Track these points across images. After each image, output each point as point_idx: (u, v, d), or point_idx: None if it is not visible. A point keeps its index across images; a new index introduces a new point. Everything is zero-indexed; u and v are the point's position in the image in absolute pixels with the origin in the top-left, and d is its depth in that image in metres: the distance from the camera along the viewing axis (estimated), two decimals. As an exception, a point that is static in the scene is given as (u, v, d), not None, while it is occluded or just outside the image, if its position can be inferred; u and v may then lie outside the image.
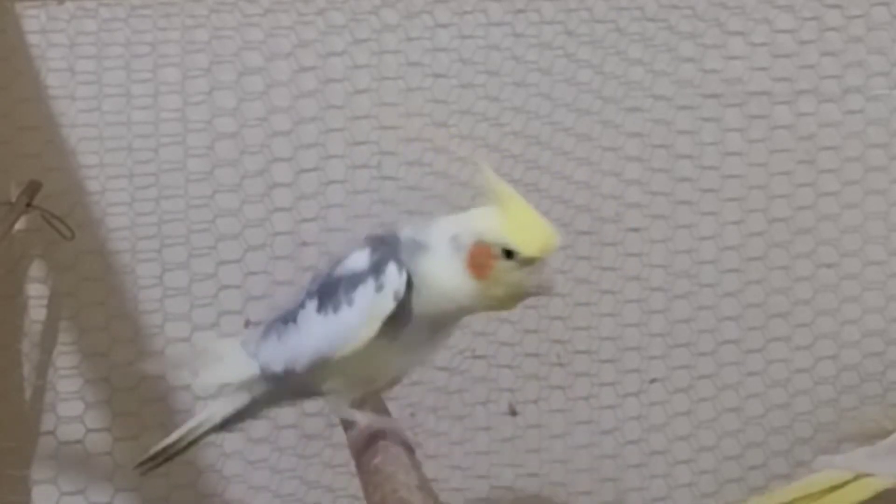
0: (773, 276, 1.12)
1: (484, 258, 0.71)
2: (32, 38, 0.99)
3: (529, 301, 1.07)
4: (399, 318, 0.73)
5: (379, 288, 0.72)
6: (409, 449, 0.79)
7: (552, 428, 1.11)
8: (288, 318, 0.78)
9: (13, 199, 0.97)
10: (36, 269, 1.02)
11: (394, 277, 0.72)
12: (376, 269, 0.73)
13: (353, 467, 0.83)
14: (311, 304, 0.76)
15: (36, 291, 1.02)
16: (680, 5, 1.07)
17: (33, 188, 0.97)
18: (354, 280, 0.73)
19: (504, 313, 1.07)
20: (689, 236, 1.10)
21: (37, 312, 1.02)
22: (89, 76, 1.00)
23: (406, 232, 0.75)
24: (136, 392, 1.03)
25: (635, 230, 1.09)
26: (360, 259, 0.74)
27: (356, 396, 0.79)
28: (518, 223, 0.71)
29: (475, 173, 0.74)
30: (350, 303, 0.73)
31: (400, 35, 1.04)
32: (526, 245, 0.70)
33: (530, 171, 1.07)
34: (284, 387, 0.79)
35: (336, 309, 0.74)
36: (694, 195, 1.10)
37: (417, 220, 0.78)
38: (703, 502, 1.14)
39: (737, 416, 1.13)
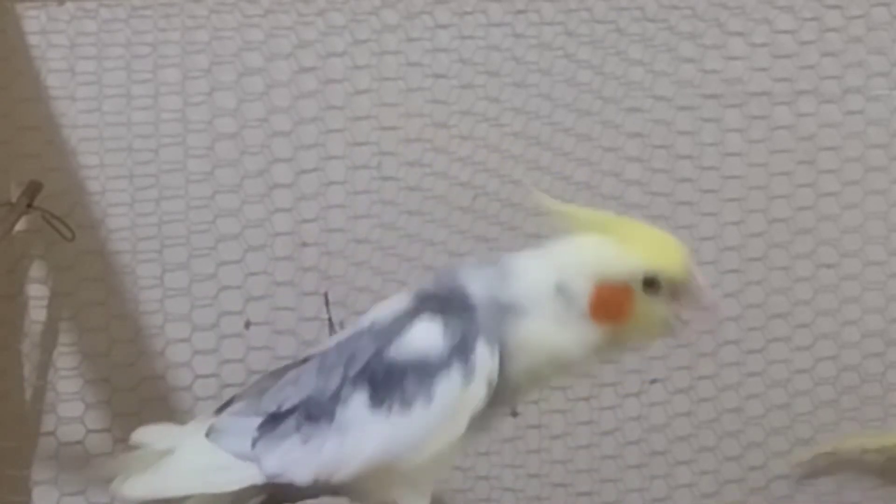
0: (773, 276, 1.12)
1: (616, 299, 0.58)
2: (33, 39, 0.99)
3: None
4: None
5: (467, 379, 0.58)
6: None
7: (553, 429, 1.11)
8: (315, 412, 0.62)
9: (14, 200, 0.97)
10: (36, 269, 1.02)
11: (485, 362, 0.58)
12: (460, 354, 0.58)
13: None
14: (358, 398, 0.60)
15: (36, 292, 1.02)
16: (680, 6, 1.07)
17: (34, 189, 0.97)
18: (429, 369, 0.59)
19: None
20: (689, 237, 1.10)
21: (37, 313, 1.02)
22: (90, 77, 1.00)
23: (478, 286, 0.61)
24: (137, 393, 1.03)
25: (635, 231, 1.09)
26: (429, 338, 0.60)
27: (426, 499, 0.64)
28: (645, 244, 0.59)
29: (533, 201, 0.63)
30: (428, 399, 0.58)
31: (400, 36, 1.04)
32: (671, 265, 0.58)
33: (530, 171, 1.07)
34: (298, 493, 0.65)
35: (406, 407, 0.59)
36: (694, 196, 1.10)
37: (483, 264, 0.64)
38: (704, 503, 1.14)
39: (737, 416, 1.13)
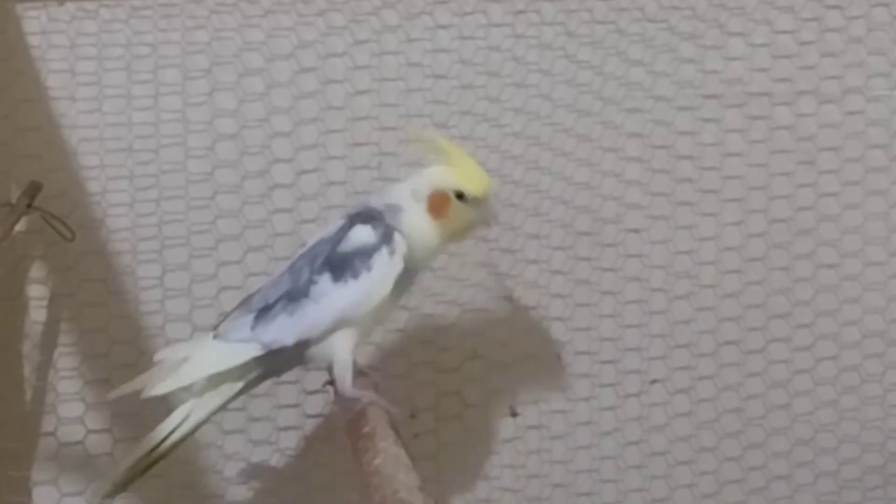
0: (773, 276, 1.12)
1: (440, 202, 0.87)
2: (33, 40, 0.99)
3: (529, 302, 1.08)
4: (399, 276, 0.87)
5: (391, 253, 0.87)
6: (393, 418, 0.88)
7: (553, 429, 1.11)
8: (295, 294, 0.87)
9: (14, 201, 0.97)
10: (36, 270, 1.02)
11: (400, 243, 0.87)
12: (385, 239, 0.87)
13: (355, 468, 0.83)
14: (324, 278, 0.87)
15: (36, 292, 1.02)
16: (680, 6, 1.08)
17: (34, 189, 0.97)
18: (367, 251, 0.86)
19: (504, 314, 1.07)
20: (690, 237, 1.10)
21: (37, 313, 1.02)
22: (90, 77, 1.00)
23: (375, 201, 0.89)
24: (137, 393, 1.03)
25: (636, 231, 1.09)
26: (366, 234, 0.87)
27: (353, 355, 0.89)
28: (463, 170, 0.87)
29: (419, 136, 0.89)
30: (368, 269, 0.86)
31: (400, 36, 1.04)
32: (474, 185, 0.87)
33: (531, 171, 1.07)
34: (283, 361, 0.89)
35: (355, 276, 0.86)
36: (694, 196, 1.10)
37: (375, 190, 0.96)
38: (704, 503, 1.14)
39: (737, 417, 1.13)
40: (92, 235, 1.01)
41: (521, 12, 1.05)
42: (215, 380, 0.87)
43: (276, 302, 0.87)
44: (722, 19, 1.08)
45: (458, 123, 1.05)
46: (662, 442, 1.13)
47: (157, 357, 0.90)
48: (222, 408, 0.89)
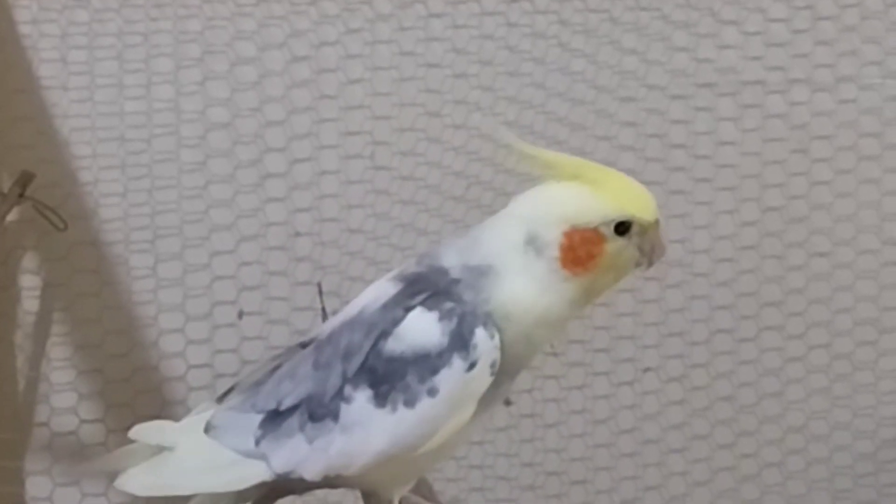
0: (766, 265, 1.12)
1: (589, 245, 0.58)
2: (24, 29, 0.99)
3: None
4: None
5: (470, 367, 0.58)
6: None
7: (546, 417, 1.11)
8: (319, 412, 0.61)
9: (5, 190, 0.96)
10: (29, 260, 1.02)
11: (486, 346, 0.57)
12: (459, 342, 0.58)
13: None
14: (361, 396, 0.60)
15: (29, 282, 1.02)
16: (673, -6, 1.08)
17: (26, 179, 0.97)
18: (430, 361, 0.58)
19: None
20: (683, 225, 1.10)
21: (30, 303, 1.02)
22: (81, 66, 1.00)
23: (451, 258, 0.61)
24: (130, 383, 1.03)
25: (629, 219, 1.09)
26: (425, 329, 0.59)
27: (406, 490, 0.65)
28: (614, 189, 0.59)
29: (504, 153, 0.63)
30: (432, 392, 0.58)
31: (393, 24, 1.04)
32: (642, 210, 0.58)
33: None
34: (302, 486, 0.65)
35: (410, 402, 0.59)
36: (687, 184, 1.10)
37: (453, 239, 0.64)
38: (697, 491, 1.14)
39: (730, 404, 1.13)
40: (84, 225, 1.01)
41: (514, 1, 1.05)
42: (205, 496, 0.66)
43: (291, 410, 0.62)
44: (715, 8, 1.08)
45: (451, 112, 1.05)
46: (655, 430, 1.13)
47: (131, 434, 0.68)
48: None
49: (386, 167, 1.05)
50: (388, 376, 0.59)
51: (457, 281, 0.59)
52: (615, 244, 0.58)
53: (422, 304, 0.59)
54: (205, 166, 1.03)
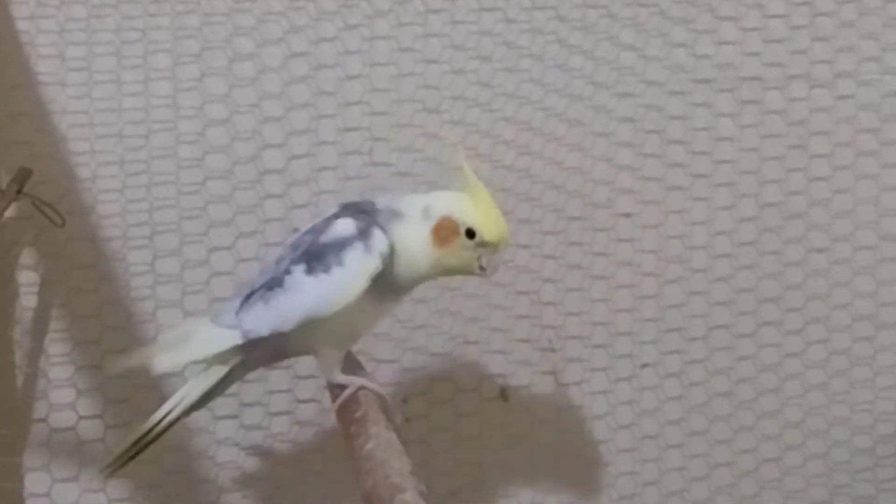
0: (764, 260, 1.12)
1: (448, 231, 0.83)
2: (22, 25, 0.99)
3: (521, 287, 1.08)
4: (378, 280, 0.83)
5: (367, 249, 0.83)
6: (385, 402, 0.87)
7: (544, 413, 1.11)
8: (272, 284, 0.85)
9: (3, 187, 0.96)
10: (27, 256, 1.02)
11: (380, 240, 0.83)
12: (364, 234, 0.83)
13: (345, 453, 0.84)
14: (299, 269, 0.84)
15: (27, 279, 1.02)
16: (671, -10, 1.07)
17: (24, 175, 0.97)
18: (343, 244, 0.83)
19: (496, 298, 1.07)
20: (681, 221, 1.11)
21: (28, 300, 1.02)
22: (79, 62, 1.00)
23: (382, 200, 0.86)
24: (128, 379, 1.02)
25: (627, 215, 1.09)
26: (346, 227, 0.84)
27: (341, 353, 0.88)
28: (484, 211, 0.83)
29: (453, 158, 0.85)
30: (341, 263, 0.83)
31: (391, 20, 1.04)
32: (489, 230, 0.83)
33: (522, 156, 1.07)
34: (266, 350, 0.87)
35: (327, 270, 0.83)
36: (686, 180, 1.10)
37: (390, 193, 0.91)
38: (695, 486, 1.14)
39: (728, 400, 1.14)
40: (82, 221, 1.01)
41: (512, -4, 1.05)
42: (206, 363, 0.87)
43: (258, 289, 0.85)
44: (713, 3, 1.08)
45: (449, 108, 1.05)
46: (653, 425, 1.13)
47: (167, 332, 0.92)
48: (213, 392, 0.89)
49: (384, 163, 1.05)
50: (316, 255, 0.84)
51: (378, 212, 0.84)
52: (462, 241, 0.83)
53: (348, 214, 0.85)
54: (203, 162, 1.03)
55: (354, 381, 0.87)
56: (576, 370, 1.11)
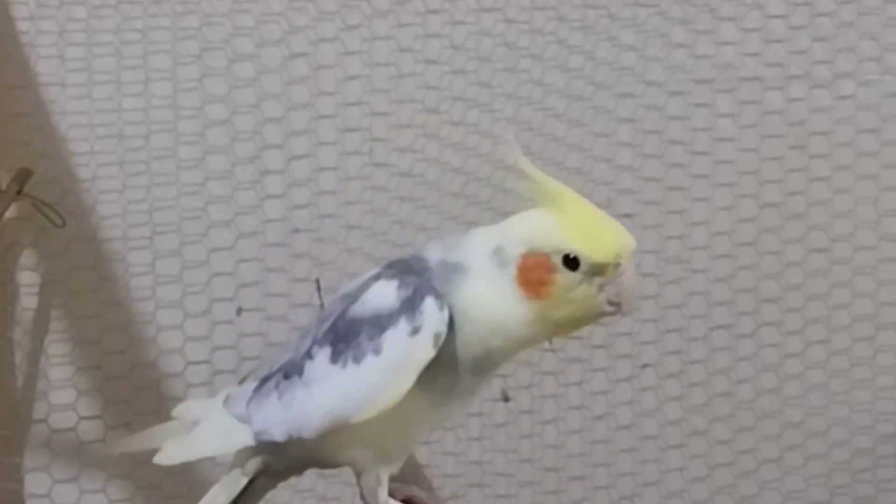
0: (764, 261, 1.12)
1: (540, 270, 0.58)
2: (22, 25, 0.99)
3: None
4: (438, 364, 0.59)
5: (414, 331, 0.59)
6: None
7: (545, 413, 1.11)
8: (290, 370, 0.64)
9: (3, 187, 0.96)
10: (27, 256, 1.02)
11: (433, 316, 0.58)
12: (409, 307, 0.59)
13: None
14: (322, 354, 0.62)
15: (27, 279, 1.02)
16: (671, -10, 1.07)
17: (24, 176, 0.97)
18: (380, 322, 0.60)
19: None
20: (681, 222, 1.11)
21: (28, 300, 1.02)
22: (79, 63, 1.00)
23: (435, 253, 0.62)
24: (128, 380, 1.03)
25: (627, 216, 1.09)
26: (384, 294, 0.61)
27: (388, 468, 0.64)
28: (581, 222, 0.59)
29: (513, 170, 0.63)
30: (377, 351, 0.60)
31: (391, 21, 1.04)
32: (597, 247, 0.58)
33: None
34: (287, 458, 0.66)
35: (358, 359, 0.60)
36: (685, 181, 1.10)
37: (447, 237, 0.66)
38: (695, 486, 1.14)
39: (728, 400, 1.14)
40: (82, 222, 1.01)
41: (512, -3, 1.05)
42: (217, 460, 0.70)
43: (276, 372, 0.65)
44: (713, 4, 1.08)
45: (449, 109, 1.05)
46: (653, 426, 1.13)
47: (174, 412, 0.72)
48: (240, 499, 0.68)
49: (384, 163, 1.05)
50: (345, 335, 0.61)
51: (431, 269, 0.61)
52: (566, 277, 0.58)
53: (389, 275, 0.62)
54: (203, 163, 1.03)
55: None
56: (575, 370, 1.11)
